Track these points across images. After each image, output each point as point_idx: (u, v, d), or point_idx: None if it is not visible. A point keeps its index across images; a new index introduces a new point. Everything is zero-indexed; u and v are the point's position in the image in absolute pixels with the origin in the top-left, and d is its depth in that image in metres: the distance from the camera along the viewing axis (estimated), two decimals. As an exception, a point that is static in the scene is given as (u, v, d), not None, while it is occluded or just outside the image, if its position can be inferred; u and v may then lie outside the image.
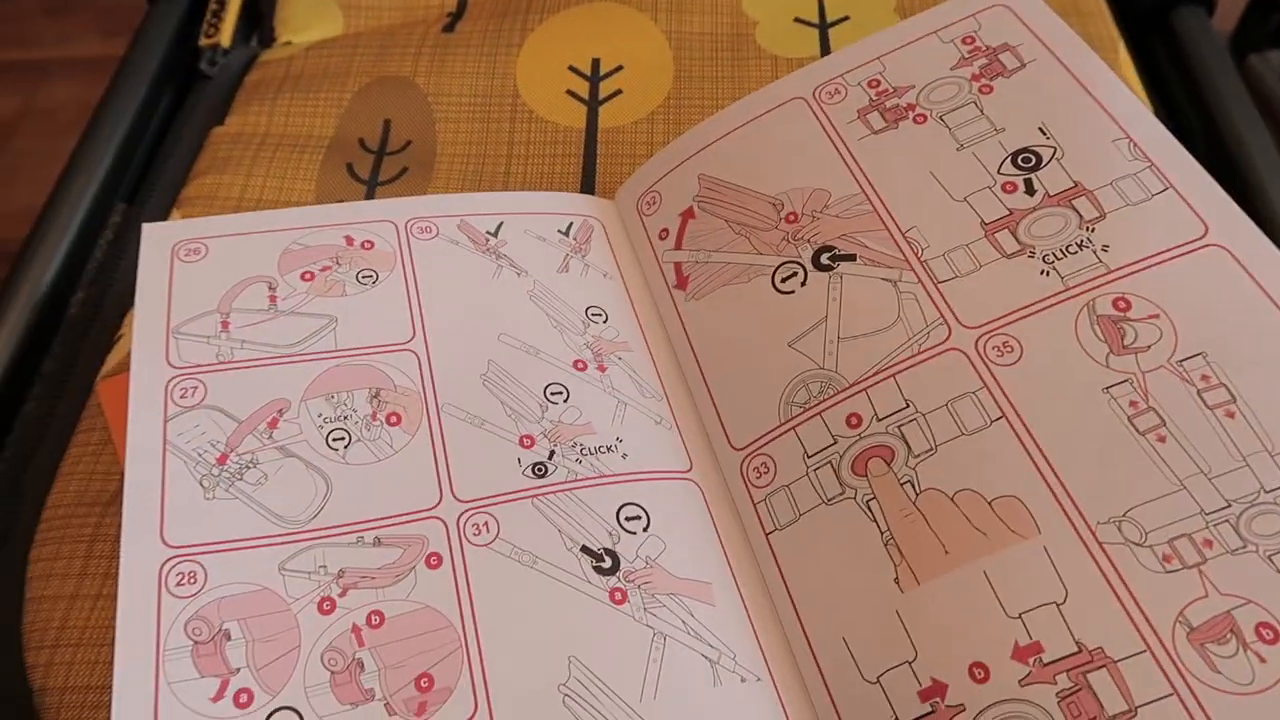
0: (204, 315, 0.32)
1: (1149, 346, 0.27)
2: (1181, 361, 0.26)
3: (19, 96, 0.54)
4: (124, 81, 0.41)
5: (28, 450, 0.32)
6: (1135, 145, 0.31)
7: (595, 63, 0.45)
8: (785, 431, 0.30)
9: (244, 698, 0.25)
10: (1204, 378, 0.26)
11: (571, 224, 0.39)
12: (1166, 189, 0.30)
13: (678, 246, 0.37)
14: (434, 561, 0.29)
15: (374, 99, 0.43)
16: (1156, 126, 0.31)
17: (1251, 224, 0.28)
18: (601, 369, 0.34)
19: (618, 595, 0.28)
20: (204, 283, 0.33)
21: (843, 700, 0.26)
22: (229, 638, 0.26)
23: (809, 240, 0.34)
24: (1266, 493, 0.24)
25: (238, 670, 0.26)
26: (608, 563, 0.29)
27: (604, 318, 0.36)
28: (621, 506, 0.30)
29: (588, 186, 0.41)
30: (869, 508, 0.28)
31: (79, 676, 0.27)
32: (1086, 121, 0.32)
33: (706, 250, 0.36)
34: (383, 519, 0.29)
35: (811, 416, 0.30)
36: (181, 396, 0.30)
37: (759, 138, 0.37)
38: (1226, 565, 0.23)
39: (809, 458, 0.29)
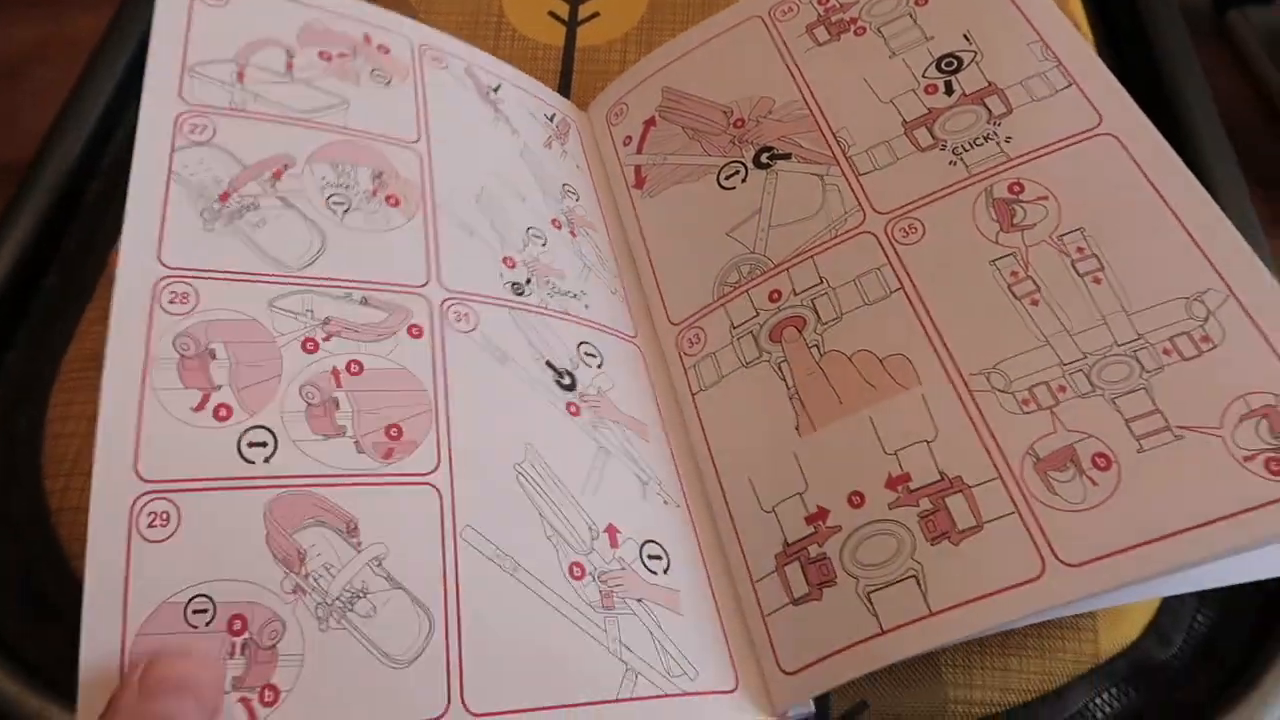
0: (221, 61, 0.33)
1: (1035, 224, 0.30)
2: (1061, 236, 0.29)
3: (42, 26, 0.58)
4: (137, -3, 0.45)
5: (50, 315, 0.36)
6: (1047, 46, 0.33)
7: None
8: (717, 308, 0.34)
9: (223, 412, 0.26)
10: (1079, 249, 0.29)
11: (555, 115, 0.41)
12: (1070, 85, 0.32)
13: (639, 151, 0.40)
14: (415, 332, 0.30)
15: (371, 17, 0.47)
16: (1067, 28, 0.33)
17: (1141, 114, 0.31)
18: (573, 235, 0.37)
19: (573, 408, 0.31)
20: (224, 30, 0.33)
21: (743, 525, 0.29)
22: (214, 356, 0.27)
23: (752, 142, 0.36)
24: (1119, 346, 0.27)
25: (219, 387, 0.27)
26: (567, 380, 0.32)
27: (577, 197, 0.38)
28: (582, 343, 0.33)
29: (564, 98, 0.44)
30: (780, 369, 0.31)
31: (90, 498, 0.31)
32: (1006, 27, 0.34)
33: (664, 154, 0.39)
34: (372, 282, 0.30)
35: (740, 294, 0.33)
36: (192, 131, 0.31)
37: (718, 53, 0.40)
38: (1075, 407, 0.26)
39: (734, 329, 0.33)
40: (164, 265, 0.28)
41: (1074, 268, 0.29)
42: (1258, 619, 0.30)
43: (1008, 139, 0.32)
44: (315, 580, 0.25)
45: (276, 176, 0.31)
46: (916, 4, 0.37)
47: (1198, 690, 0.29)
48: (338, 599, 0.25)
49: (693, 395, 0.33)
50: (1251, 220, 0.37)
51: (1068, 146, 0.31)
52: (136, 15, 0.45)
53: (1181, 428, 0.25)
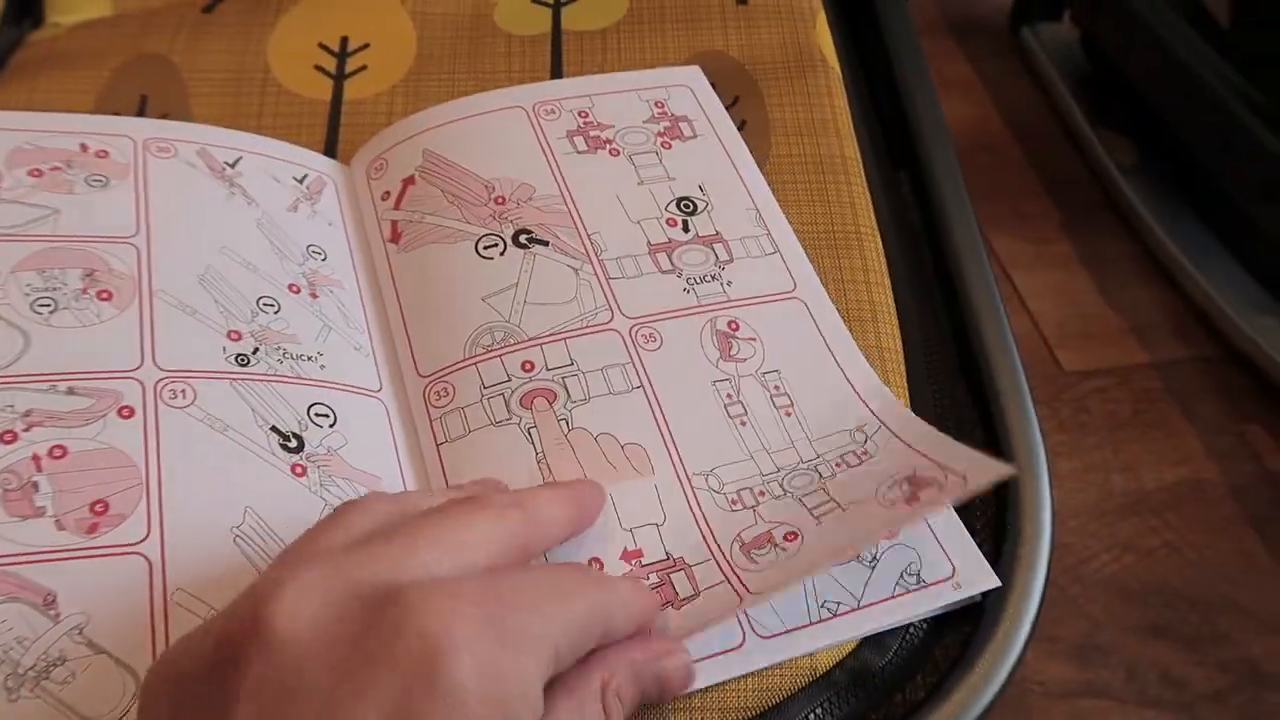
0: None
1: (746, 359, 0.37)
2: (765, 373, 0.37)
3: None
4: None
5: None
6: (760, 215, 0.41)
7: (344, 40, 0.48)
8: (468, 366, 0.36)
9: None
10: (776, 387, 0.37)
11: (307, 175, 0.42)
12: (775, 252, 0.40)
13: (396, 207, 0.41)
14: (126, 413, 0.31)
15: (131, 76, 0.45)
16: (775, 206, 0.42)
17: (821, 288, 0.40)
18: (314, 296, 0.38)
19: (298, 469, 0.32)
20: None
21: (487, 575, 0.32)
22: None
23: (512, 221, 0.40)
24: (804, 463, 0.35)
25: None
26: (294, 443, 0.33)
27: (323, 256, 0.39)
28: (313, 404, 0.34)
29: (330, 153, 0.45)
30: (530, 434, 0.35)
31: None
32: (730, 190, 0.42)
33: (421, 212, 0.41)
34: (79, 372, 0.32)
35: (493, 358, 0.36)
36: None
37: (483, 130, 0.43)
38: (772, 505, 0.33)
39: (485, 388, 0.36)
40: None
41: (773, 401, 0.36)
42: (972, 620, 0.32)
43: (729, 282, 0.39)
44: (6, 653, 0.26)
45: None
46: (663, 145, 0.43)
47: (914, 690, 0.31)
48: (31, 669, 0.26)
49: (437, 446, 0.35)
50: (976, 241, 0.43)
51: (772, 302, 0.39)
52: None
53: (849, 503, 0.33)
